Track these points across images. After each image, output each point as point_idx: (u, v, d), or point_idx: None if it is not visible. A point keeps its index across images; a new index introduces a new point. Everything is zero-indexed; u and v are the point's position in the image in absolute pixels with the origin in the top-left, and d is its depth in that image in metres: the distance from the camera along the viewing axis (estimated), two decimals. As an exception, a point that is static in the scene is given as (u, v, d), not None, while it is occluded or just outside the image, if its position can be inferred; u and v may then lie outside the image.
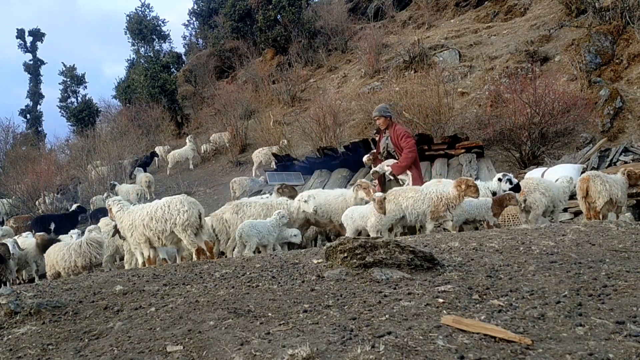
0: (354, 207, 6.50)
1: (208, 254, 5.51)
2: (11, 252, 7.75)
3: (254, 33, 27.15)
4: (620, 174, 6.68)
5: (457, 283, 2.56)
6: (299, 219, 6.95)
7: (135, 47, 28.57)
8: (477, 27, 21.03)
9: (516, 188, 6.86)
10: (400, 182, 7.30)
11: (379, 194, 6.06)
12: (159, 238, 5.56)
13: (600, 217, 6.29)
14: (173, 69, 29.16)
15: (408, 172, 7.26)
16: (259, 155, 16.61)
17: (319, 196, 7.05)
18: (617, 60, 14.52)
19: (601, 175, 6.46)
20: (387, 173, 7.28)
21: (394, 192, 6.32)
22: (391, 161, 7.33)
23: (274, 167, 15.16)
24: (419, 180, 7.27)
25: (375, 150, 7.92)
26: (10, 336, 2.35)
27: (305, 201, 6.73)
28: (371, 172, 7.62)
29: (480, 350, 1.68)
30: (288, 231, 6.53)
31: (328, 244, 3.51)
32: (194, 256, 5.57)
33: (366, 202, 6.57)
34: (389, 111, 7.65)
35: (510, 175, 7.31)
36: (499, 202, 6.45)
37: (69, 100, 32.16)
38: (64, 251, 7.33)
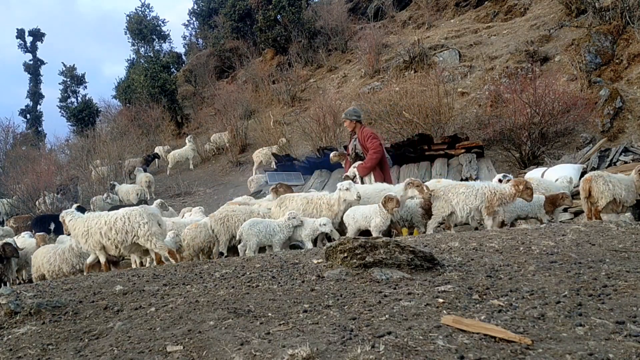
0: (356, 207, 6.45)
1: (173, 260, 5.64)
2: (19, 249, 7.80)
3: (254, 33, 27.15)
4: (634, 172, 6.61)
5: (457, 283, 2.56)
6: (340, 211, 6.66)
7: (135, 47, 28.60)
8: (477, 27, 21.03)
9: None
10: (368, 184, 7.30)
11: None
12: (117, 247, 5.76)
13: (601, 217, 6.28)
14: (173, 69, 29.16)
15: (372, 173, 7.26)
16: (259, 155, 16.62)
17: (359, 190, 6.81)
18: (617, 60, 14.52)
19: (604, 175, 6.43)
20: (357, 175, 7.31)
21: (443, 187, 6.30)
22: (359, 163, 7.38)
23: (274, 167, 15.17)
24: (382, 181, 7.22)
25: (344, 149, 8.06)
26: (10, 336, 2.35)
27: (347, 189, 6.45)
28: (343, 177, 7.72)
29: (480, 350, 1.68)
30: (304, 230, 6.30)
31: (328, 244, 3.51)
32: (167, 258, 5.79)
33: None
34: (357, 114, 7.68)
35: (510, 176, 7.33)
36: (552, 201, 6.35)
37: (69, 100, 32.17)
38: (50, 254, 7.34)
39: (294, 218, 6.26)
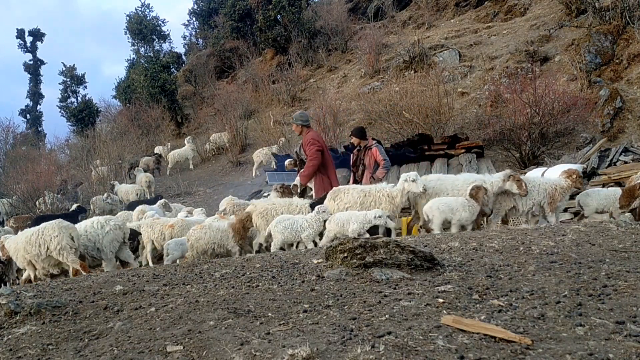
0: (438, 198, 6.08)
1: (83, 272, 5.77)
2: None
3: (254, 33, 27.15)
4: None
5: (457, 283, 2.56)
6: (402, 204, 6.42)
7: (135, 47, 28.58)
8: (477, 27, 21.03)
9: None
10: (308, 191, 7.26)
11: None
12: (36, 261, 6.01)
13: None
14: (173, 69, 29.16)
15: (312, 180, 7.18)
16: (259, 155, 16.61)
17: (445, 180, 6.52)
18: (617, 60, 14.52)
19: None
20: (296, 184, 7.32)
21: None
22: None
23: (274, 167, 15.16)
24: (321, 189, 7.14)
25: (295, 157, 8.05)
26: (10, 336, 2.35)
27: (413, 180, 6.17)
28: (291, 186, 7.74)
29: (480, 350, 1.68)
30: (351, 224, 5.92)
31: (328, 244, 3.51)
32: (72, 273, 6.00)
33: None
34: (304, 118, 7.59)
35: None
36: (630, 193, 6.15)
37: (69, 100, 32.15)
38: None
39: (323, 212, 6.02)
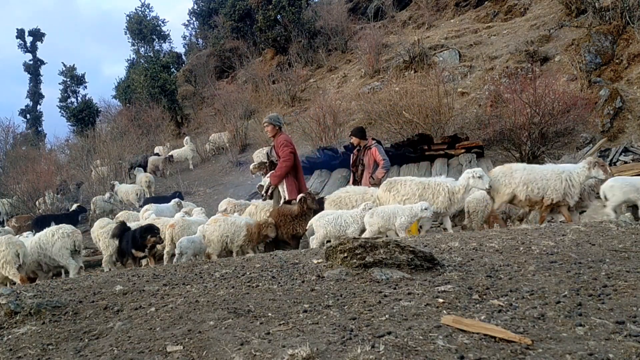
0: (624, 178, 6.00)
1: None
2: None
3: (254, 33, 27.15)
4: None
5: (457, 283, 2.56)
6: (463, 199, 6.24)
7: (135, 47, 28.60)
8: (477, 27, 21.03)
9: None
10: (281, 193, 7.19)
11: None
12: None
13: None
14: (173, 69, 29.15)
15: (284, 182, 7.16)
16: (259, 155, 16.61)
17: (532, 170, 6.34)
18: (617, 60, 14.52)
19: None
20: (266, 185, 7.31)
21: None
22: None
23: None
24: (294, 190, 7.12)
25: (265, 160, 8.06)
26: (10, 336, 2.35)
27: (480, 177, 5.99)
28: (257, 186, 7.73)
29: (480, 350, 1.68)
30: (398, 218, 5.72)
31: (328, 244, 3.51)
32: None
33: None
34: (279, 120, 7.59)
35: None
36: None
37: (69, 100, 32.14)
38: None
39: (370, 208, 5.89)
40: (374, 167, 7.75)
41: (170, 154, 19.70)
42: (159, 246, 7.21)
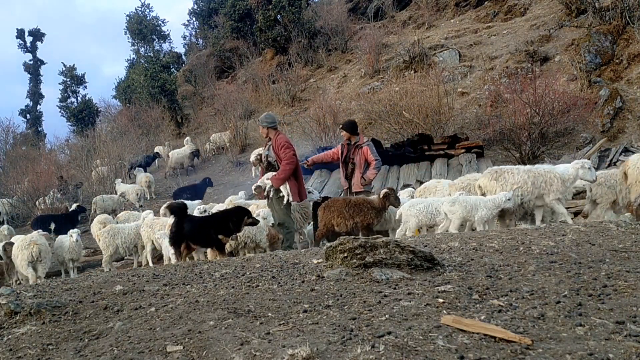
0: None
1: None
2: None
3: (254, 33, 27.14)
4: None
5: (457, 283, 2.56)
6: (570, 189, 6.11)
7: (135, 47, 28.61)
8: (477, 27, 21.03)
9: None
10: (281, 195, 7.01)
11: None
12: None
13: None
14: (173, 69, 29.17)
15: (287, 184, 6.96)
16: (253, 157, 16.59)
17: None
18: (617, 60, 14.52)
19: None
20: (267, 187, 7.04)
21: (608, 174, 6.21)
22: (271, 174, 7.08)
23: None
24: (296, 193, 6.98)
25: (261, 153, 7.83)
26: (10, 336, 2.35)
27: (589, 168, 5.76)
28: (253, 188, 7.53)
29: (480, 350, 1.68)
30: (479, 210, 5.59)
31: (328, 244, 3.51)
32: None
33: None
34: (270, 120, 7.30)
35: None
36: None
37: (69, 100, 32.15)
38: None
39: (508, 200, 5.71)
40: (364, 167, 7.45)
41: (196, 148, 19.66)
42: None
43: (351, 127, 7.69)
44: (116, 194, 15.33)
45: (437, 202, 6.00)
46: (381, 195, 6.60)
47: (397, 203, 6.67)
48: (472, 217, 5.66)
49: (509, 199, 5.52)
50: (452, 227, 5.76)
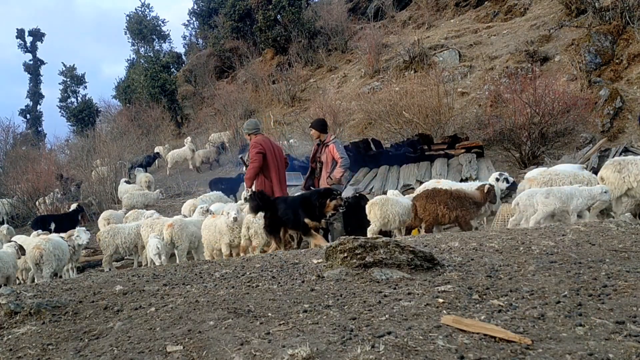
0: None
1: None
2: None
3: (254, 33, 27.15)
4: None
5: (457, 283, 2.56)
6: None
7: (135, 47, 28.66)
8: (477, 27, 21.04)
9: (512, 187, 6.89)
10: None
11: None
12: None
13: None
14: (173, 69, 29.18)
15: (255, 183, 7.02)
16: (240, 157, 16.59)
17: None
18: (617, 60, 14.52)
19: None
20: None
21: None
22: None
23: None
24: (269, 191, 6.92)
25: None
26: (10, 336, 2.35)
27: None
28: (242, 195, 7.63)
29: (480, 350, 1.68)
30: (574, 199, 5.50)
31: (328, 244, 3.51)
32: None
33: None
34: (250, 126, 7.39)
35: (507, 174, 7.35)
36: None
37: (69, 100, 32.18)
38: None
39: (605, 192, 5.65)
40: (332, 166, 7.26)
41: (221, 142, 19.68)
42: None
43: (320, 126, 7.55)
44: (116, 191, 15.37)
45: (569, 190, 5.87)
46: (485, 190, 6.45)
47: (495, 200, 6.54)
48: (567, 207, 5.64)
49: (605, 192, 5.49)
50: (537, 219, 5.67)
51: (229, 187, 13.54)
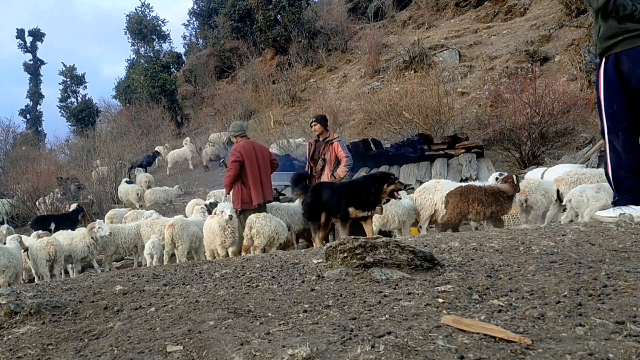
0: None
1: None
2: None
3: (254, 33, 27.16)
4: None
5: (457, 283, 2.56)
6: None
7: (135, 47, 28.69)
8: (477, 27, 21.04)
9: None
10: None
11: None
12: None
13: None
14: (173, 69, 29.21)
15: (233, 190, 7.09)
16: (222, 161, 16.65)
17: None
18: (617, 60, 14.51)
19: None
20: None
21: None
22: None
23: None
24: (238, 199, 7.03)
25: None
26: (10, 336, 2.35)
27: None
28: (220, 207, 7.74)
29: (480, 350, 1.68)
30: None
31: (328, 244, 3.51)
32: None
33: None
34: (234, 129, 7.49)
35: (506, 174, 7.34)
36: None
37: (69, 100, 32.21)
38: None
39: None
40: (335, 164, 7.21)
41: (229, 138, 19.71)
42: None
43: (325, 121, 7.50)
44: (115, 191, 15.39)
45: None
46: (514, 181, 6.39)
47: (519, 189, 6.49)
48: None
49: None
50: (590, 213, 5.65)
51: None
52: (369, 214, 5.37)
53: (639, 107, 3.84)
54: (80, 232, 8.77)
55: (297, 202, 8.23)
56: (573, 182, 6.78)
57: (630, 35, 3.74)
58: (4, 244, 8.03)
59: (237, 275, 3.25)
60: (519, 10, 20.99)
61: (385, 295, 2.41)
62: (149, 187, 16.15)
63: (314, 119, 7.59)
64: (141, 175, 16.70)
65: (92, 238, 8.11)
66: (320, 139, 7.43)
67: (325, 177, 7.26)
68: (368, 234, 5.24)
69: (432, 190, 7.47)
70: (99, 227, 8.19)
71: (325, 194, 5.45)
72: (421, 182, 9.77)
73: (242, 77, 26.04)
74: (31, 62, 36.43)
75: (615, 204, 4.26)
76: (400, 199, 5.74)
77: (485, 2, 22.83)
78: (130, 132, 23.80)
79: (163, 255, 7.85)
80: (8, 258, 6.91)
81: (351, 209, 5.21)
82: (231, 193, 7.25)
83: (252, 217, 6.65)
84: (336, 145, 7.23)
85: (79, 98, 32.30)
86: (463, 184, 7.35)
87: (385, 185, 5.25)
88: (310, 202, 5.48)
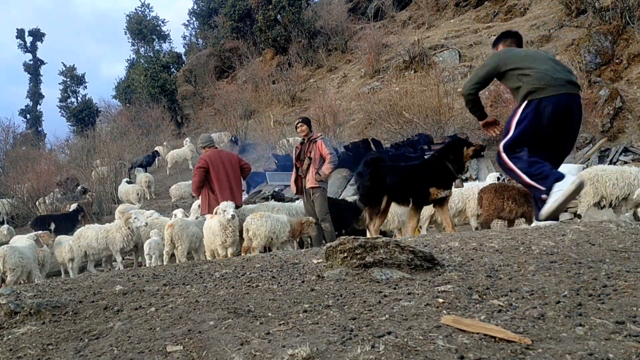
0: None
1: None
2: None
3: (254, 33, 27.16)
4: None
5: (457, 283, 2.56)
6: None
7: (135, 47, 28.70)
8: (477, 27, 21.04)
9: None
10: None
11: None
12: None
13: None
14: (173, 69, 29.22)
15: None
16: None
17: None
18: (617, 60, 14.52)
19: None
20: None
21: None
22: None
23: (274, 167, 15.17)
24: (205, 205, 7.22)
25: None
26: (10, 336, 2.35)
27: None
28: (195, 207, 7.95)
29: (480, 350, 1.68)
30: None
31: (328, 244, 3.51)
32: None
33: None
34: (204, 141, 7.74)
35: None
36: None
37: (69, 100, 32.21)
38: None
39: None
40: (320, 162, 7.25)
41: (234, 135, 19.64)
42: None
43: (310, 122, 7.71)
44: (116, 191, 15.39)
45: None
46: None
47: None
48: None
49: None
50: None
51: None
52: (449, 192, 5.03)
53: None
54: (115, 224, 8.74)
55: (298, 203, 8.25)
56: (590, 179, 6.83)
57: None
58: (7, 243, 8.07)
59: (237, 275, 3.25)
60: (519, 10, 20.99)
61: (385, 295, 2.41)
62: (148, 187, 16.17)
63: (299, 120, 7.71)
64: (141, 175, 16.70)
65: (129, 229, 8.11)
66: (306, 140, 7.54)
67: (311, 176, 7.33)
68: (446, 222, 4.83)
69: None
70: (135, 218, 8.14)
71: (390, 176, 4.95)
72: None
73: (242, 77, 26.05)
74: (31, 62, 36.42)
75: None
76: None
77: (485, 2, 22.83)
78: (130, 132, 23.80)
79: (163, 255, 7.85)
80: (19, 257, 6.88)
81: (432, 189, 4.78)
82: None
83: (248, 219, 6.67)
84: (320, 143, 7.32)
85: (79, 98, 32.34)
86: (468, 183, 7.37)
87: (465, 148, 4.94)
88: (370, 185, 5.01)
